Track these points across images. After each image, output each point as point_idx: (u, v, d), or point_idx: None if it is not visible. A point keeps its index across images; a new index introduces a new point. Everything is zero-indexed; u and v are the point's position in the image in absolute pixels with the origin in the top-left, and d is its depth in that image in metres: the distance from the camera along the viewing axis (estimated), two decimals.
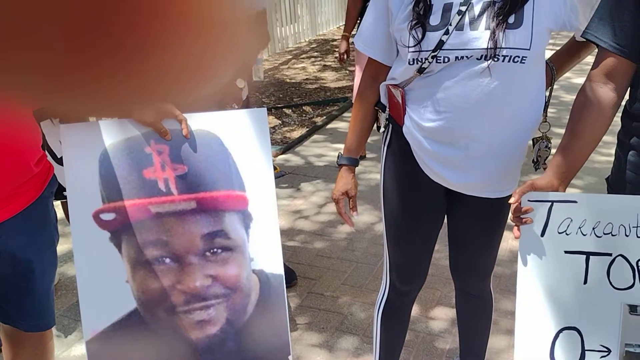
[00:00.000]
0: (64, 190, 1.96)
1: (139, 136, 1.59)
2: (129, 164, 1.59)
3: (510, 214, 1.43)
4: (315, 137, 5.15)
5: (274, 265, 1.69)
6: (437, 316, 2.56)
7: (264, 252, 1.68)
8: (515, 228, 1.42)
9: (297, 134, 5.21)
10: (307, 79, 7.43)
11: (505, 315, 2.51)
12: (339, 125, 5.43)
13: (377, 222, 3.44)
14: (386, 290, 1.85)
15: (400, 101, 1.56)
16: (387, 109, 1.64)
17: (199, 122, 1.63)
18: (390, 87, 1.59)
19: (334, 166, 4.41)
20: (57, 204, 2.20)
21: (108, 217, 1.58)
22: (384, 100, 1.65)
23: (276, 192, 4.10)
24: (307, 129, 5.30)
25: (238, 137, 1.66)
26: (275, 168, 4.30)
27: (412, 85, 1.53)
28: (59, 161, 2.03)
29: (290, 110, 6.01)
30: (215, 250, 1.64)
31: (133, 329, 1.60)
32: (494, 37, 1.36)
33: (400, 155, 1.64)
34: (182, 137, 1.61)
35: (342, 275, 2.92)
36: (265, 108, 1.71)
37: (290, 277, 2.77)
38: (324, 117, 5.69)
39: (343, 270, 2.97)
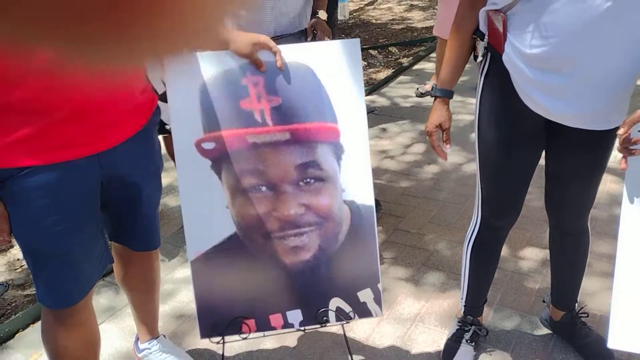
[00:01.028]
0: (165, 125, 2.06)
1: (236, 68, 1.64)
2: (227, 95, 1.64)
3: (617, 145, 1.36)
4: (401, 78, 5.06)
5: (365, 196, 1.72)
6: (527, 256, 2.51)
7: (355, 183, 1.71)
8: (622, 160, 1.36)
9: (382, 75, 5.13)
10: (393, 19, 7.24)
11: (601, 258, 2.43)
12: (426, 65, 5.29)
13: (464, 162, 3.38)
14: (477, 225, 1.83)
15: (501, 27, 1.49)
16: (486, 37, 1.57)
17: (292, 53, 1.65)
18: (490, 12, 1.52)
19: (420, 107, 4.33)
20: (160, 139, 2.31)
21: (209, 146, 1.65)
22: (482, 27, 1.58)
23: None
24: (393, 70, 5.20)
25: (331, 68, 1.66)
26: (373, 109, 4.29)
27: (515, 10, 1.45)
28: (160, 98, 2.13)
29: (376, 52, 5.91)
30: (308, 180, 1.68)
31: (232, 251, 1.70)
32: None
33: (499, 85, 1.58)
34: (277, 69, 1.63)
35: (428, 213, 2.92)
36: (359, 40, 1.69)
37: (375, 205, 2.82)
38: (410, 57, 5.55)
39: (429, 209, 2.96)
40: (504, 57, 1.51)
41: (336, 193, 1.70)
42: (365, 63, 5.56)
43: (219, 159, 1.66)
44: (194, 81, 1.63)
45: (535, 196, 2.64)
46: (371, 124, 4.10)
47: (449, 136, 1.70)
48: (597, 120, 1.49)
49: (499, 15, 1.48)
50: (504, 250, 2.56)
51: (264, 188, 1.68)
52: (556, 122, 1.53)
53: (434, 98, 1.71)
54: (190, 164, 1.66)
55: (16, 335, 2.20)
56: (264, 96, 1.65)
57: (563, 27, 1.36)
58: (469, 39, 1.62)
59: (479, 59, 1.62)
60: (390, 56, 5.76)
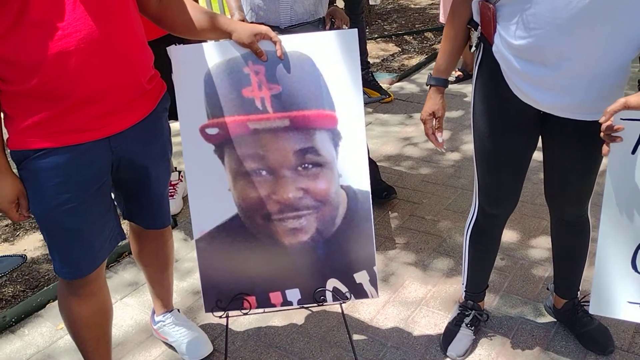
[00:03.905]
0: None
1: (238, 57, 1.72)
2: (230, 83, 1.73)
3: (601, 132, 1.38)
4: (433, 64, 5.02)
5: (361, 182, 1.78)
6: (539, 245, 2.51)
7: (351, 169, 1.77)
8: (605, 145, 1.37)
9: (415, 61, 5.11)
10: (432, 3, 7.15)
11: None
12: None
13: None
14: (475, 212, 1.86)
15: (491, 18, 1.51)
16: (479, 27, 1.60)
17: (292, 43, 1.71)
18: (481, 3, 1.54)
19: (448, 94, 4.31)
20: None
21: (212, 131, 1.75)
22: (476, 17, 1.60)
23: (387, 119, 4.13)
24: (426, 56, 5.17)
25: (329, 58, 1.72)
26: (389, 95, 4.30)
27: (503, 1, 1.47)
28: None
29: (411, 37, 5.87)
30: (306, 165, 1.76)
31: (234, 231, 1.80)
32: None
33: (491, 74, 1.60)
34: (277, 58, 1.71)
35: (445, 200, 2.94)
36: (356, 30, 1.74)
37: (389, 192, 2.88)
38: None
39: (447, 196, 2.98)
40: (494, 48, 1.53)
41: (333, 178, 1.77)
42: (400, 49, 5.54)
43: (222, 144, 1.75)
44: (199, 70, 1.73)
45: None
46: (397, 110, 4.12)
47: (441, 124, 1.73)
48: (586, 110, 1.49)
49: (489, 6, 1.50)
50: (515, 238, 2.58)
51: (264, 172, 1.76)
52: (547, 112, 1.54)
53: (429, 87, 1.75)
54: (196, 149, 1.76)
55: (47, 306, 2.39)
56: (264, 84, 1.73)
57: (547, 20, 1.37)
58: (463, 28, 1.64)
59: (473, 48, 1.64)
60: (425, 42, 5.72)
